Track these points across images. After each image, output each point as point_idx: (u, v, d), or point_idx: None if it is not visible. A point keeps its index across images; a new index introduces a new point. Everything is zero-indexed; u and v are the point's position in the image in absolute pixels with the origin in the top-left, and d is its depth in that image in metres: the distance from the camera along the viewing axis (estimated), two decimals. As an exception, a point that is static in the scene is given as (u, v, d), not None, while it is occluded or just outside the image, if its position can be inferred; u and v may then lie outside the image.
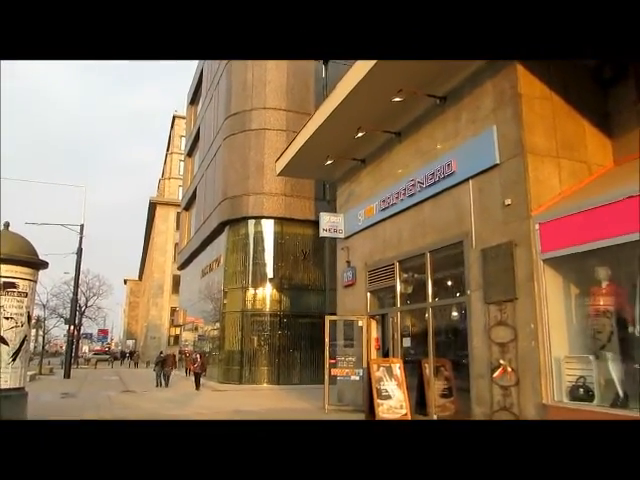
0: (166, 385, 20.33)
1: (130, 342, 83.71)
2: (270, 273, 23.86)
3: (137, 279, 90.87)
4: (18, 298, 9.01)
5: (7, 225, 9.45)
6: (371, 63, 8.70)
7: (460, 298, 8.42)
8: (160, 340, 51.72)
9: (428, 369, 9.13)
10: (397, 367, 8.95)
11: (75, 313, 27.45)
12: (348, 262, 12.12)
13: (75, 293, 25.77)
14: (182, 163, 57.56)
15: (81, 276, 42.53)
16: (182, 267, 38.14)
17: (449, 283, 9.20)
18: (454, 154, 8.52)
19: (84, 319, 49.59)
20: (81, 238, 26.52)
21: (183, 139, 59.44)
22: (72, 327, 25.51)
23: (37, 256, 9.47)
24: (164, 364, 21.17)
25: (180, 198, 54.42)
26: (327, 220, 12.30)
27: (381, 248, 10.76)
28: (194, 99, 39.38)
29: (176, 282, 53.30)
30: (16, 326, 8.92)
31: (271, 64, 24.90)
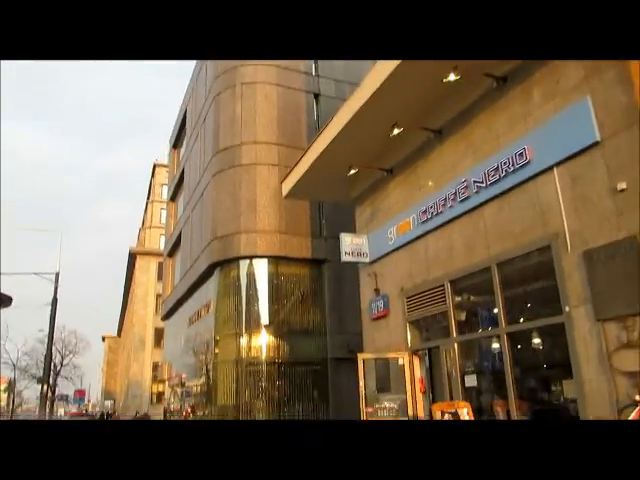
0: None
1: (108, 402, 78.98)
2: (265, 317, 21.77)
3: (116, 335, 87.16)
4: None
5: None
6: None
7: (553, 318, 6.55)
8: (142, 398, 48.17)
9: (502, 413, 7.18)
10: (465, 412, 6.95)
11: (49, 371, 24.61)
12: (377, 290, 10.26)
13: (49, 348, 23.03)
14: (163, 212, 55.90)
15: (56, 332, 39.56)
16: (166, 317, 35.60)
17: (530, 301, 7.38)
18: (526, 140, 6.92)
19: (59, 379, 45.81)
20: (56, 287, 24.09)
21: (164, 187, 58.11)
22: (46, 387, 22.67)
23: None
24: None
25: (162, 247, 52.42)
26: (349, 242, 10.50)
27: (424, 268, 8.96)
28: (177, 142, 38.05)
29: (158, 335, 50.44)
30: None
31: (260, 97, 23.77)
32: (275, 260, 22.04)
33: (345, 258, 10.42)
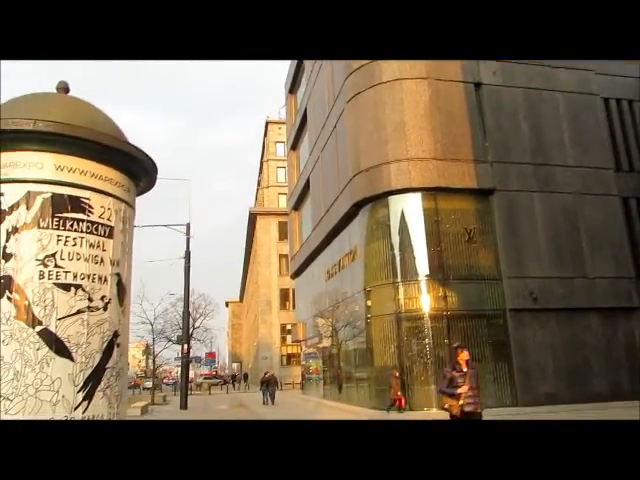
0: (272, 403, 22.23)
1: (235, 365, 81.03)
2: (425, 262, 17.82)
3: (238, 301, 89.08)
4: (90, 236, 3.48)
5: (65, 88, 4.10)
6: None
7: None
8: (272, 360, 47.11)
9: None
10: None
11: (188, 329, 22.74)
12: None
13: (186, 305, 21.04)
14: (280, 170, 53.85)
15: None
16: (296, 275, 33.09)
17: None
18: None
19: (192, 341, 45.88)
20: (188, 239, 21.94)
21: (278, 145, 55.99)
22: (186, 346, 20.72)
23: (128, 143, 3.95)
24: (268, 384, 23.07)
25: (281, 206, 50.44)
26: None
27: None
28: (294, 85, 34.67)
29: (283, 296, 49.00)
30: (89, 309, 3.39)
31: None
32: (432, 193, 17.90)
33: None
